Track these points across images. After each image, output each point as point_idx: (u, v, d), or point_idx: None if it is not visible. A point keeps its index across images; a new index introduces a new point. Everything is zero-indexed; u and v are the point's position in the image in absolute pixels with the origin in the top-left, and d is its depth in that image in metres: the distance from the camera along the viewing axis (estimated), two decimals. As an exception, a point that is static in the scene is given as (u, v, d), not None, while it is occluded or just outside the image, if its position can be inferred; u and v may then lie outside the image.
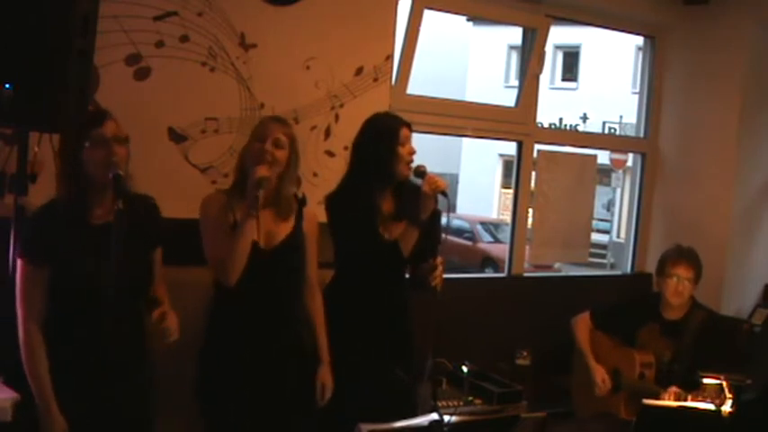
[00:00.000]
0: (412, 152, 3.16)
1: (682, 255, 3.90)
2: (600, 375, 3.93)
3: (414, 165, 3.18)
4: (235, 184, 2.99)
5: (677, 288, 3.85)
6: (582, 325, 4.09)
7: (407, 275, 3.31)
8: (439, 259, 3.10)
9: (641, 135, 5.45)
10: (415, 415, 2.63)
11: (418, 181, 3.16)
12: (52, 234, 2.52)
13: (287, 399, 2.99)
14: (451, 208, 3.36)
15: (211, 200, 2.95)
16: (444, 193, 3.11)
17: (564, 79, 20.06)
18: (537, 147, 4.84)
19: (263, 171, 2.81)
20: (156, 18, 3.32)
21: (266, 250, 2.91)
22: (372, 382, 3.10)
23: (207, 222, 2.91)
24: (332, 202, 3.22)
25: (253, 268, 2.85)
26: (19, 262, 2.53)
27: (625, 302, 4.20)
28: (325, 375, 3.07)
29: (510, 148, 5.06)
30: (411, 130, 3.20)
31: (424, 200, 3.10)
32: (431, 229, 3.19)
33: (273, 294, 2.96)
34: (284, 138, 2.93)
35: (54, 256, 2.50)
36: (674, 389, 3.51)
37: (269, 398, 2.94)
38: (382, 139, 3.16)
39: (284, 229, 2.99)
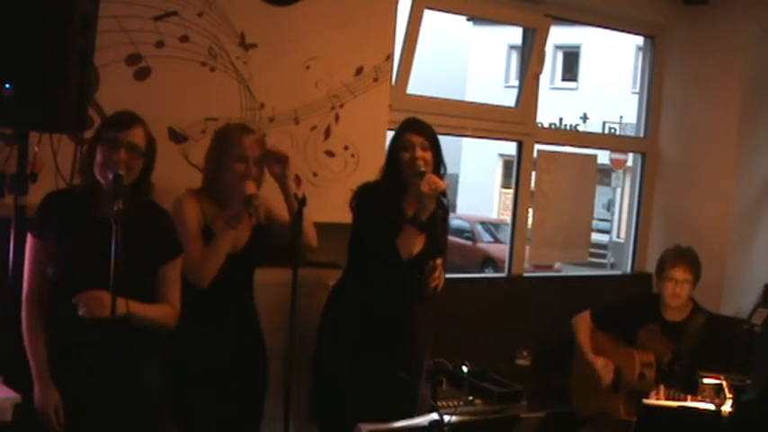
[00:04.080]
0: (414, 157, 3.12)
1: (679, 257, 3.89)
2: (601, 364, 3.90)
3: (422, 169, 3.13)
4: (205, 187, 3.04)
5: (674, 290, 3.84)
6: (582, 324, 4.09)
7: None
8: (438, 261, 3.09)
9: (641, 135, 5.45)
10: (414, 415, 2.63)
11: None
12: (61, 215, 2.58)
13: (255, 391, 3.10)
14: (450, 208, 3.34)
15: (185, 203, 2.97)
16: (444, 194, 3.10)
17: (564, 79, 20.06)
18: (537, 147, 4.84)
19: (252, 189, 2.88)
20: (156, 18, 3.32)
21: (234, 253, 2.98)
22: (373, 383, 3.10)
23: (184, 227, 2.93)
24: (361, 191, 3.26)
25: (222, 269, 2.91)
26: (28, 236, 2.59)
27: (626, 302, 4.20)
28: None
29: (510, 148, 5.06)
30: (424, 135, 3.17)
31: (422, 200, 3.08)
32: (433, 231, 3.17)
33: (239, 292, 3.05)
34: (262, 152, 3.01)
35: (58, 234, 2.55)
36: (662, 387, 3.51)
37: (237, 392, 3.01)
38: (389, 146, 3.24)
39: (248, 224, 3.02)
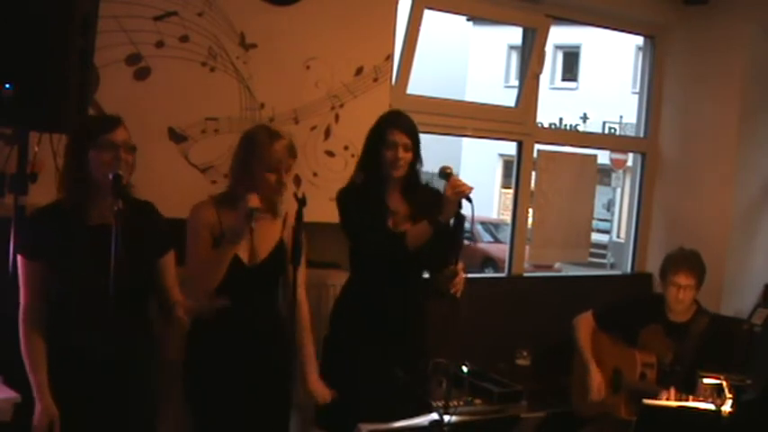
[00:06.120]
0: (396, 158, 3.07)
1: (683, 263, 3.86)
2: (597, 382, 3.91)
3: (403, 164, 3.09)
4: (228, 194, 2.95)
5: (678, 296, 3.84)
6: (584, 325, 4.07)
7: (427, 281, 3.26)
8: (460, 265, 3.03)
9: (641, 135, 5.45)
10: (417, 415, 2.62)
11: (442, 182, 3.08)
12: (50, 232, 2.54)
13: (274, 404, 3.00)
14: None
15: (201, 211, 2.92)
16: (468, 198, 3.03)
17: (564, 79, 20.06)
18: (537, 147, 4.84)
19: (255, 202, 2.78)
20: (156, 18, 3.32)
21: (252, 266, 2.93)
22: (373, 383, 3.08)
23: (193, 234, 2.90)
24: (340, 195, 3.20)
25: (239, 281, 2.86)
26: (19, 258, 2.56)
27: (628, 302, 4.19)
28: (314, 384, 3.06)
29: (510, 148, 5.06)
30: (407, 133, 3.10)
31: (445, 203, 3.01)
32: (454, 235, 3.10)
33: (262, 302, 2.99)
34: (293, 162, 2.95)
35: (50, 253, 2.52)
36: (672, 389, 3.51)
37: (256, 402, 2.95)
38: (370, 139, 3.16)
39: (271, 237, 2.98)
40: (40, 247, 2.54)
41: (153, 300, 2.75)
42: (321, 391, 3.07)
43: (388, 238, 3.09)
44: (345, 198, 3.18)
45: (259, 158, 2.86)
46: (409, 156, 3.11)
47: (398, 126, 3.12)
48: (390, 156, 3.08)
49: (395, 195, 3.18)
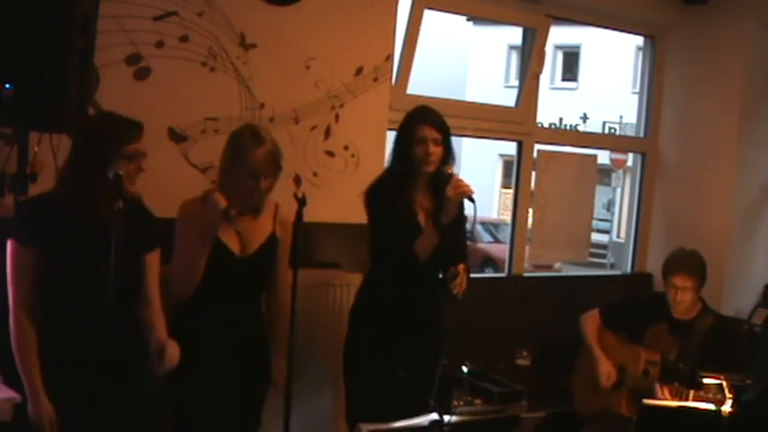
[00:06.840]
0: (427, 153, 3.05)
1: (680, 265, 3.86)
2: (605, 368, 3.90)
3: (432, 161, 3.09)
4: (218, 188, 2.92)
5: (676, 297, 3.85)
6: (590, 322, 4.07)
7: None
8: (461, 266, 3.02)
9: (641, 135, 5.45)
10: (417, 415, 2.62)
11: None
12: (46, 221, 2.51)
13: (252, 396, 3.05)
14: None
15: (188, 210, 2.91)
16: (471, 199, 3.03)
17: (564, 79, 20.05)
18: (537, 147, 4.84)
19: (223, 202, 2.79)
20: (156, 18, 3.32)
21: (242, 258, 2.93)
22: (373, 382, 3.08)
23: (179, 231, 2.91)
24: (369, 193, 3.17)
25: (228, 273, 2.88)
26: (9, 243, 2.52)
27: (635, 301, 4.20)
28: (279, 364, 3.04)
29: (510, 148, 5.06)
30: (437, 128, 3.08)
31: (446, 204, 3.02)
32: (457, 235, 3.11)
33: (248, 295, 3.00)
34: (276, 167, 2.93)
35: (45, 240, 2.49)
36: (666, 386, 3.51)
37: (240, 394, 2.98)
38: (400, 136, 3.15)
39: (262, 231, 2.98)
40: (35, 233, 2.50)
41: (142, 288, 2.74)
42: (280, 379, 3.03)
43: (398, 251, 3.07)
44: (374, 196, 3.15)
45: (241, 162, 2.86)
46: (439, 150, 3.09)
47: (427, 121, 3.10)
48: (421, 152, 3.07)
49: (423, 191, 3.16)
